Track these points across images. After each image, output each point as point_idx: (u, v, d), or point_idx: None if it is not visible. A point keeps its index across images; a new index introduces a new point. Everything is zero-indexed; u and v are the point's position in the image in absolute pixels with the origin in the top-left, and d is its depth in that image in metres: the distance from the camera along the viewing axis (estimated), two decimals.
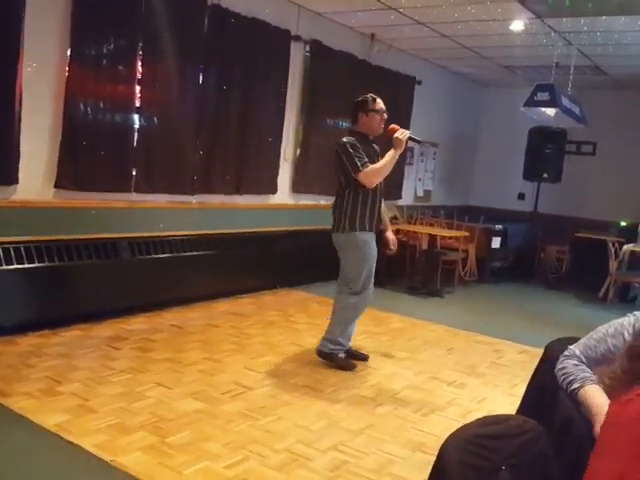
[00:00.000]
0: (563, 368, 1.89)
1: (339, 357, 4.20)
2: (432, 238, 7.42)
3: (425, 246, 7.54)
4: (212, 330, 4.79)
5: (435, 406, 3.70)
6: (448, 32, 6.78)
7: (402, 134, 4.03)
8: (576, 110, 6.75)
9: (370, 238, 4.13)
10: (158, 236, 5.14)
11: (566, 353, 1.91)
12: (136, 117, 4.94)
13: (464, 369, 4.48)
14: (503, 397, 3.95)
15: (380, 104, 4.14)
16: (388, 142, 4.11)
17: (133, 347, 4.19)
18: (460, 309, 6.60)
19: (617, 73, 7.90)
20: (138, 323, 4.76)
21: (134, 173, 4.97)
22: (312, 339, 4.75)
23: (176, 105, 5.21)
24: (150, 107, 5.02)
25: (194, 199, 5.53)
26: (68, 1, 4.36)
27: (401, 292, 7.05)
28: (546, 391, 2.06)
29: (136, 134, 4.95)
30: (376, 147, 4.21)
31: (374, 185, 4.05)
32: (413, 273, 7.60)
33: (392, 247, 4.42)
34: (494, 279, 8.36)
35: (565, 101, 6.42)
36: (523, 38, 6.63)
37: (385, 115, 4.15)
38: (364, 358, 4.39)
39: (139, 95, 4.92)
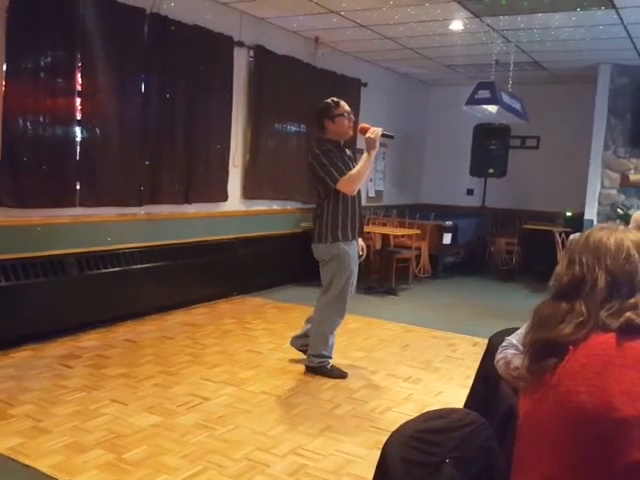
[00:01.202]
0: (503, 358, 1.95)
1: (328, 368, 4.14)
2: (385, 237, 7.50)
3: (379, 246, 7.61)
4: (166, 342, 4.73)
5: (392, 403, 3.75)
6: (390, 34, 6.86)
7: (373, 133, 3.87)
8: (517, 106, 6.92)
9: (352, 248, 4.06)
10: (106, 250, 5.05)
11: (504, 344, 1.98)
12: (78, 130, 4.84)
13: (420, 364, 4.55)
14: (458, 389, 4.02)
15: (344, 106, 4.01)
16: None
17: (86, 364, 4.11)
18: (415, 306, 6.69)
19: (556, 68, 8.14)
20: (90, 340, 4.67)
21: (78, 187, 4.86)
22: (269, 345, 4.76)
23: (119, 116, 5.12)
24: (92, 119, 4.93)
25: (142, 210, 5.44)
26: (2, 14, 4.25)
27: (356, 292, 7.06)
28: (491, 382, 2.11)
29: (78, 147, 4.85)
30: (349, 152, 4.12)
31: (353, 192, 3.95)
32: (368, 273, 7.66)
33: (360, 253, 4.28)
34: (447, 274, 8.52)
35: (506, 98, 6.58)
36: (463, 37, 6.76)
37: (352, 116, 4.04)
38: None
39: (80, 107, 4.82)
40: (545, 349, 1.37)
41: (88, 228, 4.96)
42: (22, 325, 4.38)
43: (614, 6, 5.31)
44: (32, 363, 4.09)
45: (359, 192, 4.07)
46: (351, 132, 4.11)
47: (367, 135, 3.91)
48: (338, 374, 4.13)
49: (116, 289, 5.02)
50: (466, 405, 2.38)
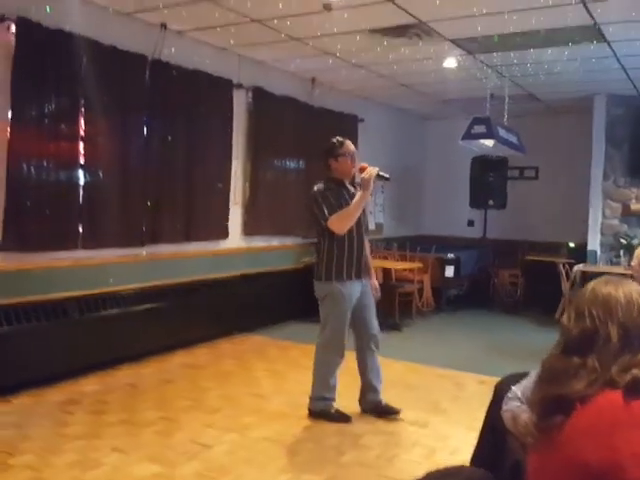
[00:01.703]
0: (506, 411, 1.91)
1: (331, 413, 4.06)
2: (387, 271, 7.46)
3: (381, 280, 7.56)
4: (167, 386, 4.68)
5: (399, 449, 3.67)
6: (385, 72, 6.96)
7: (367, 173, 3.87)
8: (513, 139, 6.96)
9: (349, 287, 3.98)
10: (108, 292, 5.05)
11: (509, 395, 1.94)
12: (81, 173, 4.91)
13: (426, 406, 4.45)
14: (466, 433, 3.91)
15: (348, 146, 4.05)
16: None
17: (87, 411, 4.07)
18: (419, 342, 6.62)
19: (551, 100, 8.21)
20: (91, 384, 4.63)
21: (80, 230, 4.90)
22: (271, 387, 4.71)
23: (121, 158, 5.20)
24: (94, 162, 5.00)
25: (144, 250, 5.47)
26: (7, 63, 4.35)
27: None
28: (498, 432, 2.07)
29: (81, 190, 4.91)
30: (352, 190, 4.09)
31: (344, 231, 3.91)
32: None
33: (374, 293, 4.20)
34: (451, 307, 8.45)
35: (502, 132, 6.62)
36: (457, 73, 6.85)
37: (355, 156, 4.05)
38: (393, 412, 4.16)
39: (83, 152, 4.90)
40: (554, 405, 1.35)
41: (89, 270, 4.98)
42: (22, 370, 4.35)
43: (606, 40, 5.39)
44: (32, 409, 4.06)
45: (360, 230, 4.04)
46: (354, 171, 4.11)
47: (362, 175, 3.91)
48: (342, 418, 4.04)
49: (117, 331, 5.01)
50: (474, 456, 2.33)
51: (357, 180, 4.09)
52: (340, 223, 3.89)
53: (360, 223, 4.04)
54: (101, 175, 5.05)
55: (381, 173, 3.97)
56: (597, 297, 1.42)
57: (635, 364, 1.30)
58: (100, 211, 5.04)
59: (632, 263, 3.44)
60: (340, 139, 4.08)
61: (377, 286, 4.29)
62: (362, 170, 3.95)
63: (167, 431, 3.78)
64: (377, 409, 4.18)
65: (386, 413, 4.17)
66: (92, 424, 3.83)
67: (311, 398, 4.11)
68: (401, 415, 4.21)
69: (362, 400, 4.23)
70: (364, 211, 4.11)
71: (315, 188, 4.00)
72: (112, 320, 5.02)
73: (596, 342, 1.35)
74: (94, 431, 3.71)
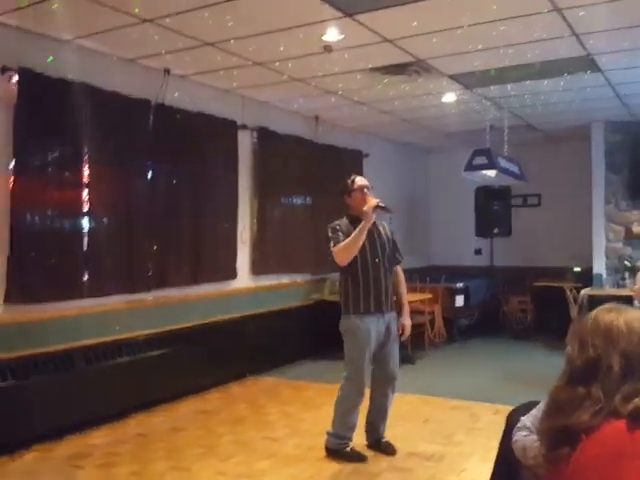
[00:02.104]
0: (516, 441, 1.92)
1: (346, 451, 4.00)
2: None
3: None
4: (178, 434, 4.60)
5: None
6: (386, 108, 7.06)
7: (367, 205, 3.92)
8: (514, 169, 7.02)
9: (367, 322, 3.95)
10: (115, 340, 4.98)
11: (518, 425, 1.95)
12: (85, 221, 4.88)
13: (441, 440, 4.42)
14: (481, 464, 3.88)
15: (359, 182, 4.11)
16: None
17: (97, 464, 3.98)
18: (432, 374, 6.58)
19: (550, 129, 8.28)
20: (100, 437, 4.52)
21: (85, 278, 4.85)
22: (285, 429, 4.66)
23: (126, 204, 5.20)
24: (99, 209, 4.99)
25: (150, 295, 5.41)
26: (10, 113, 4.37)
27: None
28: (511, 464, 2.07)
29: (86, 238, 4.88)
30: (379, 227, 4.11)
31: (345, 262, 3.94)
32: None
33: (400, 333, 4.17)
34: (463, 337, 8.42)
35: (503, 162, 6.68)
36: (457, 107, 6.93)
37: (366, 190, 4.07)
38: (389, 452, 4.13)
39: (87, 199, 4.88)
40: (561, 437, 1.35)
41: (96, 318, 4.89)
42: (29, 425, 4.23)
43: (599, 69, 5.46)
44: (41, 466, 3.96)
45: (376, 264, 4.02)
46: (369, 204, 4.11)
47: (363, 208, 3.95)
48: (357, 458, 4.00)
49: (125, 380, 4.91)
50: None
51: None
52: (340, 255, 3.94)
53: (377, 255, 4.03)
54: (105, 221, 5.04)
55: (381, 204, 3.99)
56: (599, 326, 1.42)
57: (638, 393, 1.29)
58: (105, 258, 5.00)
59: (634, 287, 3.44)
60: (353, 176, 4.19)
61: (407, 324, 4.21)
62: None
63: None
64: (376, 445, 4.18)
65: (383, 451, 4.15)
66: (102, 478, 3.76)
67: (328, 434, 4.07)
68: (417, 450, 4.19)
69: (366, 428, 4.22)
70: (388, 244, 4.12)
71: (332, 224, 4.07)
72: (120, 369, 4.94)
73: (599, 372, 1.35)
74: None
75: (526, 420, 1.96)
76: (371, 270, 4.01)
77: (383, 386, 4.13)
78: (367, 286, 3.99)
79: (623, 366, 1.33)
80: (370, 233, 4.00)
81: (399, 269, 4.31)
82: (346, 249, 3.92)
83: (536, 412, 1.98)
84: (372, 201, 3.96)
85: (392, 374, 4.14)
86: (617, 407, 1.28)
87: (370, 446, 4.20)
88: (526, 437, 1.92)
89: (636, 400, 1.27)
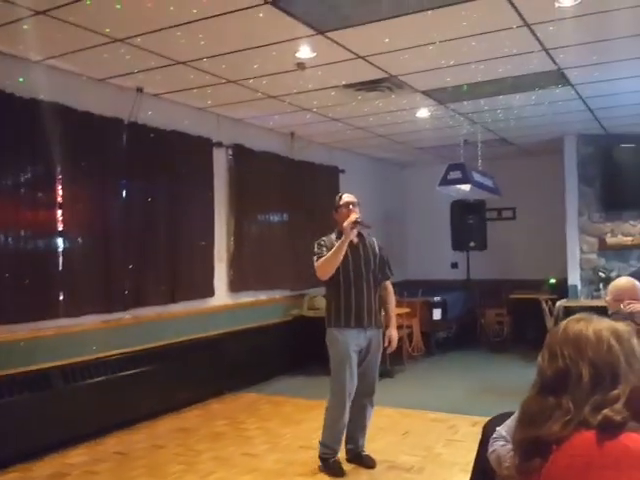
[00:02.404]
0: (493, 451, 1.93)
1: (329, 462, 4.02)
2: None
3: None
4: (158, 452, 4.58)
5: None
6: (361, 124, 7.14)
7: (347, 221, 3.96)
8: (488, 183, 7.12)
9: (346, 335, 3.98)
10: (92, 359, 4.95)
11: (494, 435, 1.97)
12: (59, 241, 4.86)
13: (421, 452, 4.44)
14: (461, 476, 3.89)
15: (345, 198, 4.19)
16: None
17: None
18: (411, 387, 6.61)
19: (523, 142, 8.43)
20: (79, 455, 4.50)
21: (61, 297, 4.82)
22: (265, 445, 4.63)
23: (100, 223, 5.18)
24: (73, 229, 4.97)
25: (127, 314, 5.39)
26: None
27: None
28: (487, 474, 2.08)
29: (61, 257, 4.86)
30: (356, 240, 4.11)
31: (325, 277, 4.00)
32: None
33: (386, 345, 4.22)
34: (441, 350, 8.47)
35: (477, 176, 6.78)
36: (430, 122, 7.03)
37: (352, 206, 4.10)
38: (369, 465, 4.15)
39: (61, 218, 4.87)
40: (532, 448, 1.35)
41: (72, 338, 4.87)
42: (6, 446, 4.20)
43: (570, 83, 5.58)
44: None
45: (359, 279, 4.04)
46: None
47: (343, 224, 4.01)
48: (335, 471, 3.99)
49: (104, 399, 4.90)
50: None
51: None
52: (320, 269, 4.02)
53: (360, 271, 4.07)
54: (80, 241, 5.01)
55: (359, 220, 4.01)
56: (568, 336, 1.42)
57: (607, 403, 1.30)
58: (80, 277, 4.97)
59: (606, 298, 3.50)
60: (341, 193, 4.33)
61: (394, 337, 4.23)
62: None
63: None
64: (356, 458, 4.20)
65: (363, 464, 4.17)
66: None
67: (319, 442, 4.11)
68: (397, 462, 4.22)
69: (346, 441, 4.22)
70: (374, 259, 4.17)
71: (318, 239, 4.15)
72: (98, 388, 4.92)
73: (569, 382, 1.35)
74: None
75: (502, 430, 1.98)
76: (353, 285, 4.04)
77: (362, 399, 4.14)
78: (348, 300, 4.02)
79: (592, 376, 1.33)
80: (355, 248, 4.06)
81: (388, 284, 4.35)
82: (326, 263, 3.97)
83: (510, 422, 2.00)
84: (351, 216, 3.99)
85: (371, 388, 4.17)
86: (587, 417, 1.29)
87: (350, 460, 4.20)
88: (503, 447, 1.94)
89: (605, 411, 1.28)
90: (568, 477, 1.25)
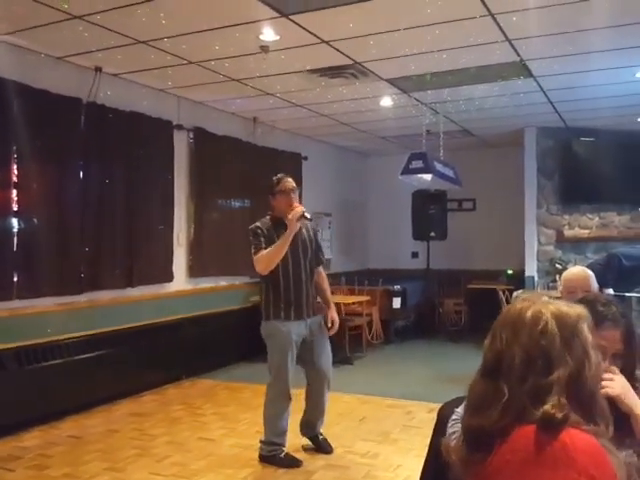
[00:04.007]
0: (454, 432, 1.94)
1: (280, 457, 3.93)
2: (336, 306, 7.43)
3: None
4: (113, 436, 4.53)
5: None
6: (325, 111, 7.12)
7: (292, 214, 3.80)
8: (450, 173, 7.18)
9: (288, 326, 3.88)
10: (47, 342, 4.87)
11: (454, 417, 1.97)
12: (14, 221, 4.76)
13: (377, 437, 4.48)
14: (417, 461, 3.89)
15: (286, 184, 3.95)
16: None
17: (28, 466, 3.89)
18: (370, 374, 6.66)
19: (484, 134, 8.54)
20: (32, 439, 4.43)
21: (15, 279, 4.73)
22: (221, 430, 4.62)
23: (57, 204, 5.07)
24: (29, 209, 4.87)
25: (83, 297, 5.31)
26: None
27: None
28: (441, 457, 2.09)
29: (15, 238, 4.76)
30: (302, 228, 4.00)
31: (266, 272, 3.84)
32: None
33: (329, 327, 4.11)
34: (399, 338, 8.56)
35: (438, 166, 6.82)
36: (393, 111, 7.06)
37: (293, 194, 3.94)
38: (327, 450, 4.15)
39: (16, 198, 4.77)
40: (476, 439, 1.30)
41: (27, 320, 4.79)
42: None
43: (532, 75, 5.65)
44: None
45: (298, 270, 3.92)
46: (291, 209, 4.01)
47: (288, 215, 3.85)
48: (291, 463, 3.93)
49: (58, 382, 4.82)
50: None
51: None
52: (261, 264, 3.83)
53: (299, 260, 3.95)
54: (36, 222, 4.91)
55: (306, 214, 3.88)
56: (507, 317, 1.34)
57: (542, 390, 1.22)
58: (36, 259, 4.88)
59: (560, 288, 3.55)
60: (279, 176, 4.04)
61: (335, 319, 4.14)
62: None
63: None
64: (313, 441, 4.19)
65: (320, 448, 4.17)
66: None
67: (261, 441, 4.02)
68: (353, 448, 4.24)
69: (301, 428, 4.20)
70: (311, 246, 4.05)
71: (254, 225, 3.94)
72: (53, 371, 4.84)
73: (504, 365, 1.28)
74: None
75: (461, 411, 1.98)
76: (292, 277, 3.91)
77: (318, 385, 4.12)
78: (288, 293, 3.90)
79: (523, 360, 1.25)
80: (294, 238, 3.87)
81: (321, 269, 4.22)
82: (268, 259, 3.80)
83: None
84: (297, 209, 3.84)
85: (325, 372, 4.09)
86: (527, 408, 1.22)
87: (305, 446, 4.19)
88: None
89: (546, 407, 1.20)
90: (507, 473, 1.21)
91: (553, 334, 1.27)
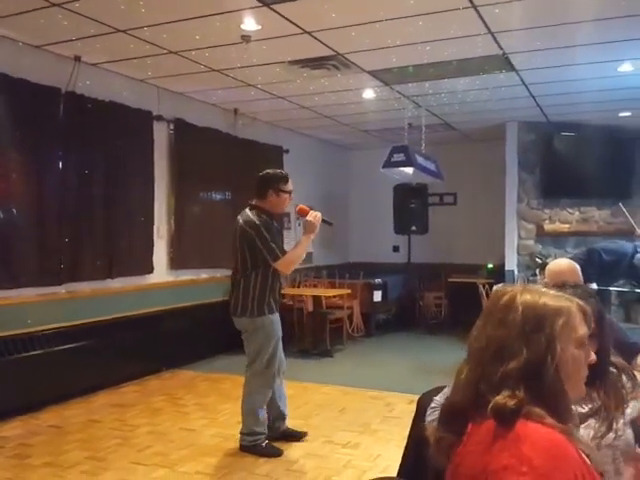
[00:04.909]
0: (432, 421, 1.95)
1: (262, 446, 3.95)
2: (317, 299, 7.52)
3: (311, 308, 7.61)
4: (94, 426, 4.51)
5: (331, 471, 3.68)
6: (307, 104, 7.11)
7: (315, 217, 3.87)
8: (431, 167, 7.21)
9: (277, 318, 4.01)
10: (27, 333, 4.84)
11: (432, 405, 1.98)
12: None
13: (357, 428, 4.51)
14: (396, 451, 3.92)
15: (291, 185, 4.01)
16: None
17: (9, 455, 3.89)
18: (350, 366, 6.69)
19: (466, 128, 8.57)
20: (13, 428, 4.43)
21: None
22: (202, 420, 4.62)
23: (35, 194, 5.02)
24: (7, 199, 4.82)
25: (63, 289, 5.27)
26: None
27: (292, 356, 6.98)
28: (421, 445, 2.11)
29: None
30: (277, 225, 4.09)
31: (289, 272, 3.98)
32: (302, 336, 7.62)
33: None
34: (380, 331, 8.60)
35: (420, 159, 6.85)
36: (375, 104, 7.07)
37: (292, 196, 4.04)
38: (299, 436, 4.22)
39: None
40: (447, 414, 1.31)
41: (5, 311, 4.75)
42: None
43: (514, 69, 5.68)
44: None
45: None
46: (285, 210, 4.16)
47: (308, 218, 3.88)
48: (272, 452, 3.95)
49: (39, 373, 4.80)
50: (400, 468, 2.36)
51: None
52: (291, 265, 3.93)
53: None
54: (15, 212, 4.87)
55: (325, 218, 3.97)
56: (486, 304, 1.35)
57: (496, 380, 1.20)
58: (15, 250, 4.85)
59: (544, 280, 3.58)
60: (285, 173, 4.05)
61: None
62: (303, 212, 3.92)
63: (94, 471, 3.64)
64: (285, 434, 4.20)
65: (294, 437, 4.21)
66: (14, 469, 3.67)
67: (242, 433, 4.03)
68: (333, 438, 4.27)
69: (271, 428, 4.17)
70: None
71: (256, 220, 3.84)
72: (33, 362, 4.82)
73: (470, 349, 1.30)
74: (16, 476, 3.55)
75: (440, 399, 2.00)
76: (277, 273, 3.99)
77: (281, 377, 4.18)
78: (274, 288, 3.99)
79: (483, 347, 1.26)
80: (279, 232, 4.05)
81: None
82: (297, 260, 3.96)
83: (448, 390, 2.02)
84: (317, 213, 3.91)
85: (284, 363, 4.18)
86: (485, 396, 1.21)
87: (278, 438, 4.16)
88: None
89: (499, 397, 1.18)
90: (466, 463, 1.21)
91: (514, 324, 1.24)
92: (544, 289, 1.33)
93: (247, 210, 3.97)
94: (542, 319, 1.24)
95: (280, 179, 3.97)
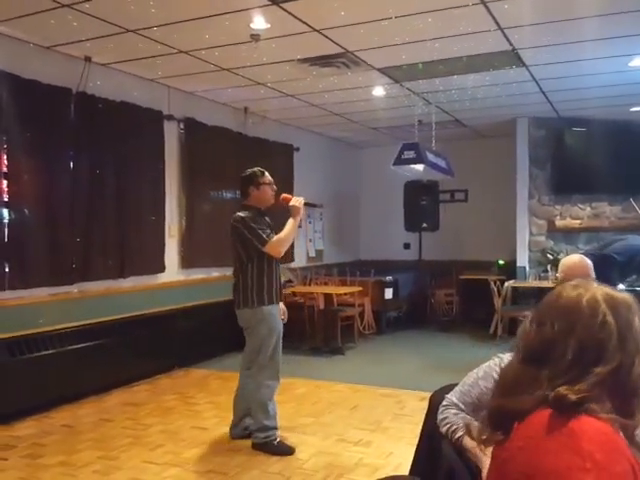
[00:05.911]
0: (444, 419, 1.95)
1: (274, 444, 3.97)
2: (328, 296, 7.52)
3: (322, 305, 7.62)
4: (106, 425, 4.54)
5: (343, 470, 3.67)
6: (316, 101, 7.11)
7: (297, 201, 4.06)
8: (442, 163, 7.19)
9: (277, 310, 4.07)
10: (39, 332, 4.87)
11: (444, 403, 1.97)
12: (5, 212, 4.75)
13: (369, 426, 4.50)
14: (408, 448, 3.94)
15: (269, 176, 4.16)
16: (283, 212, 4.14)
17: (22, 455, 3.91)
18: (362, 364, 6.68)
19: (476, 124, 8.54)
20: (26, 428, 4.45)
21: (6, 270, 4.73)
22: (214, 419, 4.63)
23: (47, 194, 5.06)
24: (19, 200, 4.85)
25: (75, 288, 5.31)
26: None
27: (303, 354, 7.05)
28: (434, 441, 2.11)
29: (6, 229, 4.75)
30: (268, 219, 4.17)
31: (281, 255, 4.03)
32: (314, 333, 7.63)
33: (282, 317, 4.23)
34: (391, 329, 8.58)
35: (430, 156, 6.82)
36: (385, 101, 7.06)
37: (274, 186, 4.17)
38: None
39: (7, 189, 4.76)
40: (498, 419, 1.27)
41: (19, 311, 4.79)
42: None
43: (524, 64, 5.64)
44: None
45: (277, 259, 4.11)
46: (273, 200, 4.20)
47: (292, 203, 4.05)
48: (285, 451, 3.96)
49: (51, 372, 4.83)
50: (412, 466, 2.36)
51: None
52: (280, 247, 3.99)
53: None
54: (27, 212, 4.91)
55: (309, 201, 4.15)
56: (560, 304, 1.28)
57: (581, 380, 1.17)
58: (27, 249, 4.88)
59: (558, 275, 3.56)
60: (261, 169, 4.19)
61: (285, 310, 4.32)
62: (286, 200, 4.09)
63: (106, 470, 3.65)
64: (249, 432, 4.17)
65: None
66: (28, 468, 3.68)
67: (253, 431, 4.04)
68: (345, 436, 4.27)
69: (236, 426, 4.19)
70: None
71: (242, 214, 4.00)
72: (45, 361, 4.84)
73: (552, 355, 1.22)
74: (30, 475, 3.56)
75: (452, 397, 1.99)
76: (276, 264, 4.10)
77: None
78: (276, 277, 4.07)
79: (576, 352, 1.20)
80: (271, 227, 4.09)
81: None
82: (285, 241, 4.02)
83: (461, 387, 2.01)
84: (299, 198, 4.11)
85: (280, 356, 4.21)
86: (548, 394, 1.18)
87: (238, 438, 4.16)
88: (456, 415, 1.94)
89: (561, 388, 1.15)
90: (519, 460, 1.17)
91: (610, 327, 1.21)
92: (597, 284, 1.30)
93: (238, 211, 4.13)
94: (628, 315, 1.23)
95: (257, 174, 4.15)
